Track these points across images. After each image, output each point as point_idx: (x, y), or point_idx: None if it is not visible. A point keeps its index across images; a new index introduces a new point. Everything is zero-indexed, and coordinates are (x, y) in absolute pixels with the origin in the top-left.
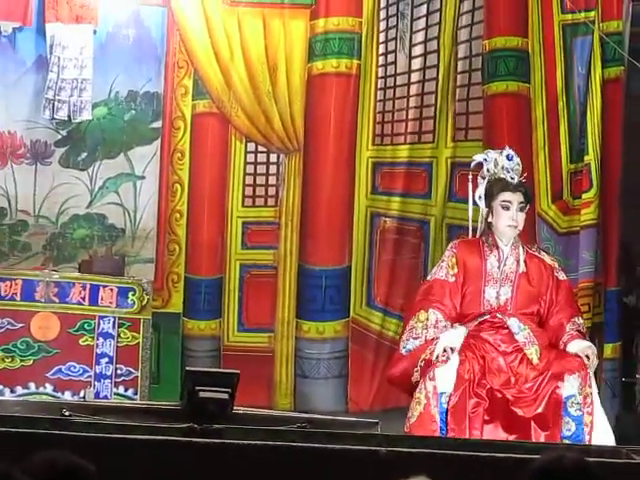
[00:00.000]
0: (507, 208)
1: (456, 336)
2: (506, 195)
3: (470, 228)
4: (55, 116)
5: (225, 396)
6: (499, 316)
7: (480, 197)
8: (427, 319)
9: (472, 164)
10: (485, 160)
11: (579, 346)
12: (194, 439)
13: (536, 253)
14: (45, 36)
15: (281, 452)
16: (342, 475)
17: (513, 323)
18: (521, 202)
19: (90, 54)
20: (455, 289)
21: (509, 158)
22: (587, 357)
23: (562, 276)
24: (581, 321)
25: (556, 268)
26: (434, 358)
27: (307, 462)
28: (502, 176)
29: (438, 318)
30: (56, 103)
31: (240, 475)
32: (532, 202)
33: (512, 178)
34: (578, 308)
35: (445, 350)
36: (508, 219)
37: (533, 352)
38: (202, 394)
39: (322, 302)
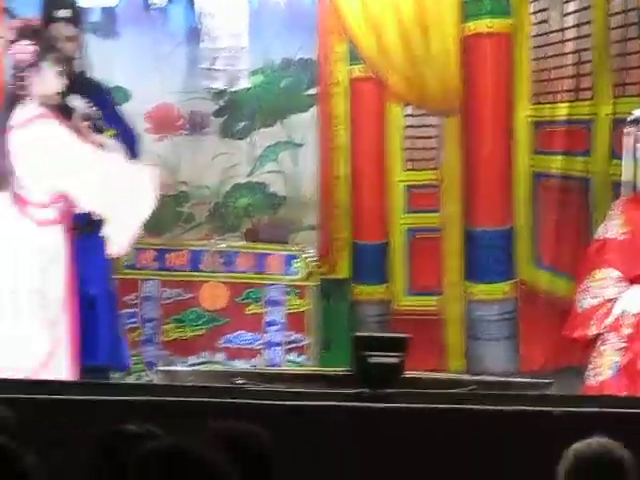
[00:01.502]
0: None
1: (637, 299)
2: None
3: (624, 184)
4: (211, 86)
5: (395, 360)
6: None
7: None
8: (604, 277)
9: (629, 118)
10: None
11: None
12: (365, 404)
13: None
14: (196, 7)
15: (452, 415)
16: (515, 437)
17: None
18: None
19: (244, 22)
20: (626, 247)
21: None
22: None
23: None
24: None
25: None
26: (611, 317)
27: (479, 424)
28: None
29: (616, 276)
30: (212, 73)
31: (411, 439)
32: None
33: None
34: None
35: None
36: None
37: None
38: (372, 359)
39: (488, 263)
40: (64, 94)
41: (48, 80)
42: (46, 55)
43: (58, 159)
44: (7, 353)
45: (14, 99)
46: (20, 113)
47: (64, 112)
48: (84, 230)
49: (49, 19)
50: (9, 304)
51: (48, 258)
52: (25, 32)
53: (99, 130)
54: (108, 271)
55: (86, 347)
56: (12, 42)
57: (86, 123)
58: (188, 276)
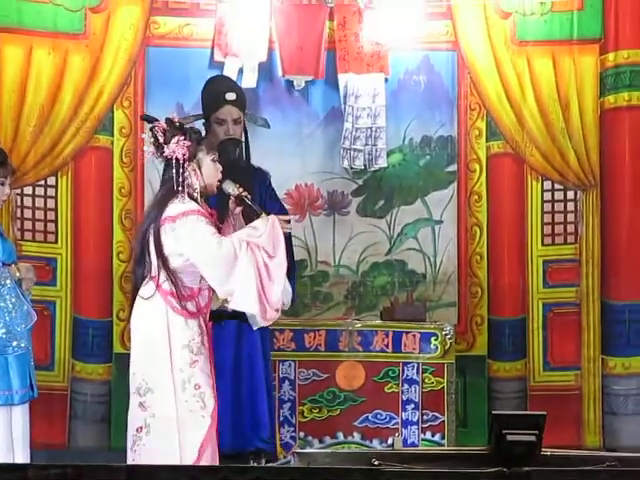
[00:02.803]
0: None
1: None
2: None
3: None
4: (352, 166)
5: (532, 438)
6: None
7: None
8: None
9: None
10: None
11: None
12: None
13: None
14: (337, 87)
15: None
16: None
17: None
18: None
19: (383, 102)
20: None
21: None
22: None
23: None
24: None
25: None
26: None
27: None
28: None
29: None
30: (352, 152)
31: None
32: None
33: None
34: None
35: None
36: None
37: None
38: (510, 437)
39: (627, 337)
40: (220, 181)
41: (205, 170)
42: (200, 147)
43: (198, 254)
44: (168, 445)
45: (171, 194)
46: (174, 207)
47: (219, 198)
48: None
49: (221, 102)
50: (167, 396)
51: (196, 349)
52: (174, 129)
53: (253, 213)
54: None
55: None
56: (162, 143)
57: (239, 208)
58: (325, 356)
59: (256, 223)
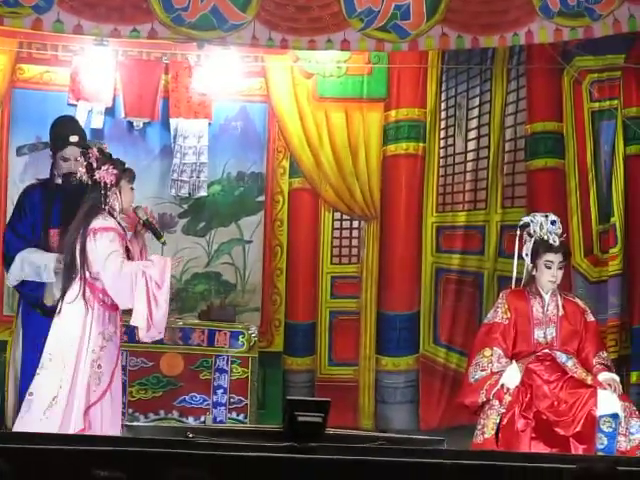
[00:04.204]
0: (549, 267)
1: (514, 377)
2: (550, 256)
3: (514, 279)
4: (179, 193)
5: (319, 420)
6: (547, 351)
7: (527, 254)
8: (491, 355)
9: (520, 223)
10: (532, 221)
11: (605, 377)
12: (294, 455)
13: (571, 298)
14: (169, 129)
15: (364, 465)
16: None
17: (561, 355)
18: (561, 261)
19: (206, 143)
20: (509, 330)
21: (553, 223)
22: (609, 385)
23: (590, 318)
24: (605, 354)
25: (587, 311)
26: (496, 388)
27: (385, 474)
28: (545, 238)
29: (500, 354)
30: (179, 183)
31: None
32: (569, 259)
33: (554, 240)
34: (603, 344)
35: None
36: (550, 275)
37: (584, 375)
38: (300, 418)
39: (397, 341)
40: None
41: (125, 196)
42: (123, 176)
43: (104, 266)
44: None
45: (96, 211)
46: (98, 221)
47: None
48: None
49: (65, 143)
50: (75, 373)
51: (108, 336)
52: (105, 158)
53: (155, 234)
54: None
55: None
56: (95, 168)
57: (144, 229)
58: (151, 348)
59: (154, 257)
